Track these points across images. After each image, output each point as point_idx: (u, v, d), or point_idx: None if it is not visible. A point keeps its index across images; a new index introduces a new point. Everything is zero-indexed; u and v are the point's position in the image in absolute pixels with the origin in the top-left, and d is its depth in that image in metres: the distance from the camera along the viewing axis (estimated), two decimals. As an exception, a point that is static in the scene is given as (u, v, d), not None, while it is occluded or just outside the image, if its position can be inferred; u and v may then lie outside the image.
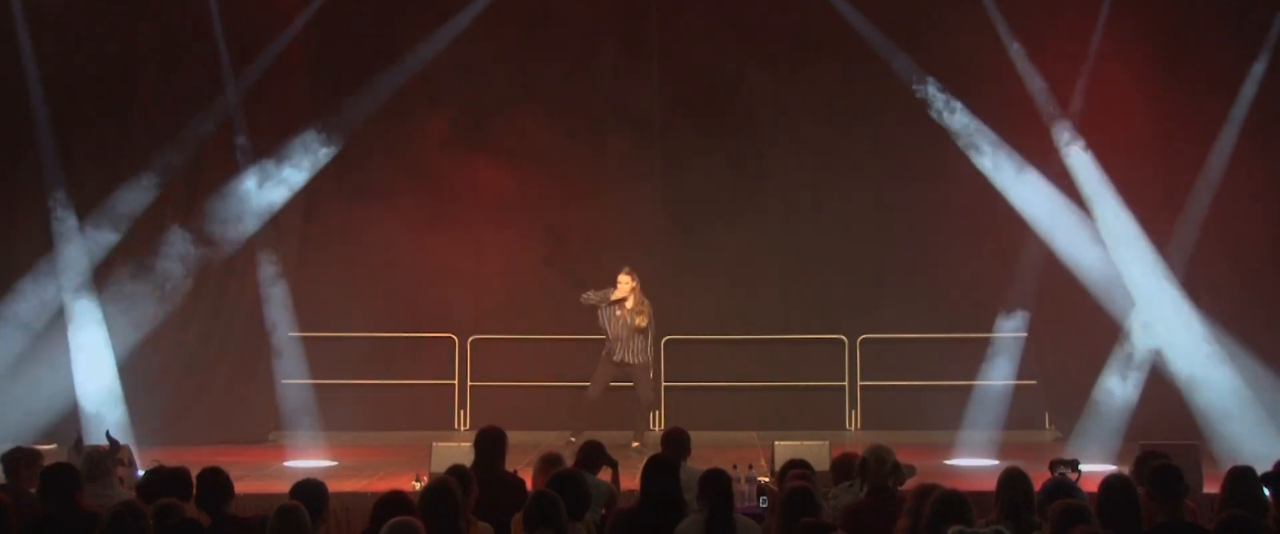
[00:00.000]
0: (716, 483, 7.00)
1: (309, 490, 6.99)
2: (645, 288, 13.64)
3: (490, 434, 8.51)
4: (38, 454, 8.55)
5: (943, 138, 14.65)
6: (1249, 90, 14.09)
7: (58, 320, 14.15)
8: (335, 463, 12.66)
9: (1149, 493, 6.89)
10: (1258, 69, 14.09)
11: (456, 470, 7.50)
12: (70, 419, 13.40)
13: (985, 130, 14.55)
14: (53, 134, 14.25)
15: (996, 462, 12.35)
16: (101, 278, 14.19)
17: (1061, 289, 14.44)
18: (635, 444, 13.37)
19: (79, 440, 9.93)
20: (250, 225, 14.50)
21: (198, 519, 6.82)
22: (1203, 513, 7.93)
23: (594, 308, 13.50)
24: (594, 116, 15.57)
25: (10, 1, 14.19)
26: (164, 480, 7.62)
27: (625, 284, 13.44)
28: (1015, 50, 14.37)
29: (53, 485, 7.37)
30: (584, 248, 15.40)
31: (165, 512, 6.84)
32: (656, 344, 14.11)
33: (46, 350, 14.10)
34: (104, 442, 9.83)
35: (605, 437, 9.83)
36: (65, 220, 14.15)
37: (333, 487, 7.56)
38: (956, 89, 14.57)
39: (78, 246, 14.15)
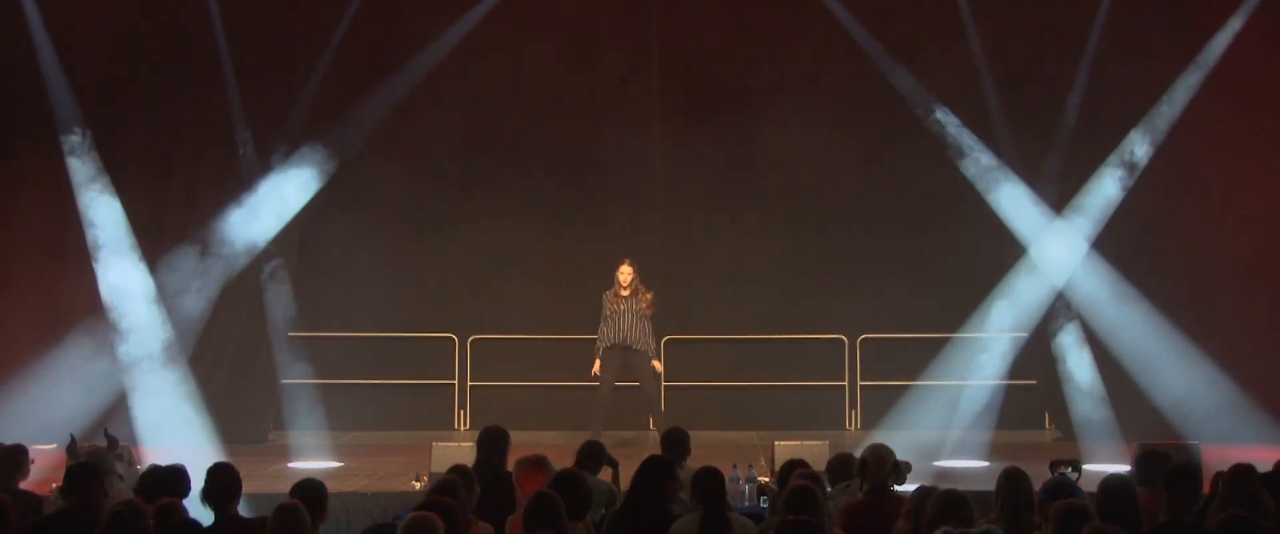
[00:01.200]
0: (709, 481, 6.95)
1: (309, 490, 6.98)
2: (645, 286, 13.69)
3: (492, 434, 8.50)
4: (24, 451, 8.52)
5: (944, 135, 14.68)
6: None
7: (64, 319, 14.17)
8: (336, 463, 12.65)
9: (1165, 493, 6.87)
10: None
11: (459, 470, 7.50)
12: (68, 420, 13.39)
13: (986, 130, 14.65)
14: (87, 133, 14.28)
15: (987, 463, 12.39)
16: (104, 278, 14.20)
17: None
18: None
19: (74, 441, 9.90)
20: (251, 224, 14.49)
21: (196, 520, 6.82)
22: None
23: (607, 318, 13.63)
24: (594, 116, 15.54)
25: (23, 3, 14.22)
26: (161, 479, 7.61)
27: (627, 274, 13.54)
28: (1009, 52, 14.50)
29: (79, 482, 7.35)
30: (584, 247, 15.39)
31: (165, 511, 6.83)
32: (656, 343, 14.10)
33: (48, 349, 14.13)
34: (102, 440, 9.81)
35: (607, 436, 9.83)
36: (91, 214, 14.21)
37: (333, 487, 7.55)
38: (953, 93, 14.64)
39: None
